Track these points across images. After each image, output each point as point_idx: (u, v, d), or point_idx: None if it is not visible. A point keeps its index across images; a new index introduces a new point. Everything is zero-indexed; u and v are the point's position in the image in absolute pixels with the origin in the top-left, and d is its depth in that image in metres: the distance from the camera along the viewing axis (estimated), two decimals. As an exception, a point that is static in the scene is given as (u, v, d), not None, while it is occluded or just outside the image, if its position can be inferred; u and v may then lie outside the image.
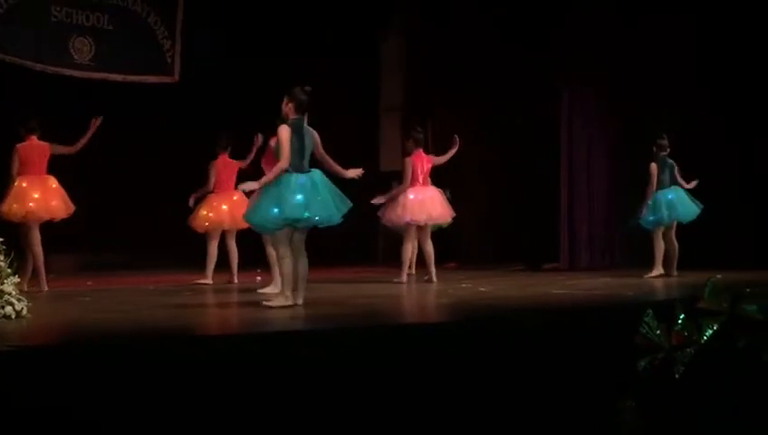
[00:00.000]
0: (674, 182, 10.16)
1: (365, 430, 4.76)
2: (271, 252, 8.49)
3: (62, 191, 9.16)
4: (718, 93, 11.43)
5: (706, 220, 10.21)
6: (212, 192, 10.00)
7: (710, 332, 3.19)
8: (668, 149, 10.19)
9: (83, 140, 9.18)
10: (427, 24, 13.78)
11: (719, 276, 3.73)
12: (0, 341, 5.17)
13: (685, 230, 10.24)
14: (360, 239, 13.38)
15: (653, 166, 10.10)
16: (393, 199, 9.90)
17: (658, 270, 10.06)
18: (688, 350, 3.19)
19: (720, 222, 10.76)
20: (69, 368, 4.50)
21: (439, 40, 13.53)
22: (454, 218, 10.28)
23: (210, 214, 10.02)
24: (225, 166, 10.04)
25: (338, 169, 7.23)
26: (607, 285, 9.30)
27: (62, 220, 9.21)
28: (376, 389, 4.83)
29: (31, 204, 8.91)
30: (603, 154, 12.33)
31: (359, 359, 5.08)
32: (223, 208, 9.97)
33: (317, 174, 7.06)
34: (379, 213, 10.12)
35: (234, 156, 10.10)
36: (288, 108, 7.10)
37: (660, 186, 10.09)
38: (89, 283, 10.05)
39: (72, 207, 9.20)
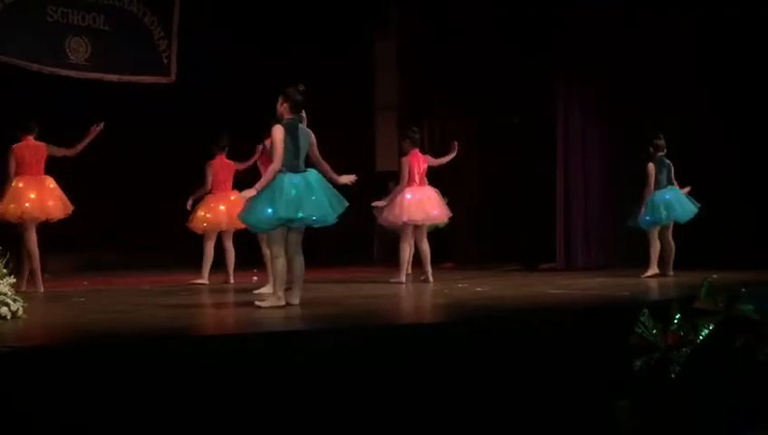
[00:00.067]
0: (670, 182, 10.17)
1: (362, 431, 4.76)
2: (266, 252, 8.48)
3: (60, 191, 9.15)
4: (718, 94, 11.42)
5: (705, 220, 10.21)
6: (210, 193, 10.01)
7: (706, 332, 3.20)
8: (665, 150, 10.19)
9: (82, 144, 9.16)
10: (425, 23, 13.77)
11: (715, 276, 3.74)
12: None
13: (684, 230, 10.24)
14: (357, 239, 13.38)
15: (650, 166, 10.11)
16: (391, 200, 9.91)
17: (653, 270, 10.06)
18: (684, 350, 3.19)
19: (719, 222, 10.77)
20: (64, 369, 4.49)
21: (437, 39, 13.53)
22: (450, 218, 10.28)
23: (208, 215, 10.02)
24: (222, 166, 10.05)
25: (331, 174, 7.17)
26: (603, 285, 9.30)
27: (60, 220, 9.20)
28: (372, 389, 4.83)
29: (27, 204, 8.89)
30: (600, 154, 12.33)
31: (355, 359, 5.08)
32: (220, 209, 9.97)
33: (312, 174, 7.04)
34: (376, 213, 10.13)
35: (230, 156, 10.10)
36: (283, 108, 7.08)
37: (658, 186, 10.09)
38: (85, 283, 10.05)
39: (70, 207, 9.18)
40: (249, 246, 9.41)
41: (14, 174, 8.95)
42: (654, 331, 3.27)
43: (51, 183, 9.11)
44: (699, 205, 10.12)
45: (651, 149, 10.17)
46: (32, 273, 8.92)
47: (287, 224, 6.97)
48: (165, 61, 12.74)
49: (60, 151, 9.14)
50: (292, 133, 6.98)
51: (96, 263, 12.30)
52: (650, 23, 11.70)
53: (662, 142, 10.19)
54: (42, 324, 6.51)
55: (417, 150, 10.00)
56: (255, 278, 9.98)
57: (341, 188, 7.21)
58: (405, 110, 14.03)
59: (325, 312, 7.12)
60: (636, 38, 11.78)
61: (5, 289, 6.34)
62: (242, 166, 9.92)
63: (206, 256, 10.06)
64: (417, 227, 9.92)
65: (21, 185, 8.95)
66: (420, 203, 9.83)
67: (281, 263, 7.00)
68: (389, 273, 10.18)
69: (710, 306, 3.24)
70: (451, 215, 10.17)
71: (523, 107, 12.47)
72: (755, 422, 3.06)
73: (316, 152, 7.17)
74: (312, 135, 7.16)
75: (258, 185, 6.98)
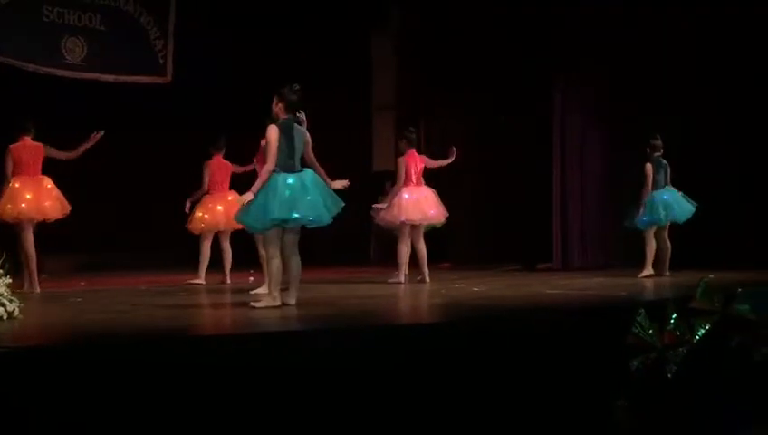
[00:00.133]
0: (667, 183, 10.17)
1: (360, 431, 4.76)
2: (263, 253, 8.47)
3: (57, 191, 9.13)
4: (717, 94, 11.41)
5: (705, 220, 10.22)
6: (207, 193, 10.01)
7: (702, 331, 3.20)
8: (662, 150, 10.20)
9: (81, 149, 9.15)
10: (424, 23, 13.75)
11: (712, 276, 3.74)
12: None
13: (682, 230, 10.24)
14: (353, 240, 13.37)
15: (648, 166, 10.11)
16: (389, 200, 9.90)
17: (648, 270, 10.06)
18: (681, 349, 3.19)
19: (718, 222, 10.77)
20: (61, 369, 4.49)
21: (435, 38, 13.50)
22: (447, 218, 10.27)
23: (206, 215, 10.02)
24: (219, 167, 10.05)
25: (325, 178, 7.15)
26: (600, 285, 9.30)
27: (57, 221, 9.19)
28: (369, 389, 4.82)
29: (23, 205, 8.88)
30: (600, 154, 12.32)
31: (351, 360, 5.08)
32: (218, 209, 9.97)
33: (308, 174, 7.02)
34: (373, 213, 10.12)
35: (227, 157, 10.09)
36: (278, 108, 7.06)
37: (655, 186, 10.09)
38: (82, 283, 10.04)
39: (68, 208, 9.17)
40: (246, 246, 9.41)
41: (11, 174, 8.94)
42: (651, 331, 3.27)
43: (48, 183, 9.10)
44: (696, 204, 10.13)
45: (648, 150, 10.17)
46: (29, 273, 8.91)
47: (282, 224, 6.96)
48: (161, 61, 12.73)
49: (58, 154, 9.14)
50: (286, 133, 6.96)
51: (93, 263, 12.29)
52: (650, 23, 11.69)
53: (659, 143, 10.19)
54: (38, 325, 6.50)
55: (413, 150, 10.00)
56: (252, 279, 9.97)
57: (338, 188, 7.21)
58: (403, 109, 14.00)
59: (321, 312, 7.11)
60: (636, 38, 11.77)
61: (2, 290, 6.33)
62: (240, 169, 9.92)
63: (203, 256, 10.06)
64: (414, 227, 9.91)
65: (17, 185, 8.94)
66: (417, 203, 9.83)
67: (276, 263, 6.99)
68: (386, 273, 10.17)
69: (706, 306, 3.25)
70: (448, 215, 10.17)
71: (523, 107, 12.44)
72: (751, 422, 3.07)
73: (311, 154, 7.15)
74: (308, 136, 7.14)
75: (254, 187, 6.96)
